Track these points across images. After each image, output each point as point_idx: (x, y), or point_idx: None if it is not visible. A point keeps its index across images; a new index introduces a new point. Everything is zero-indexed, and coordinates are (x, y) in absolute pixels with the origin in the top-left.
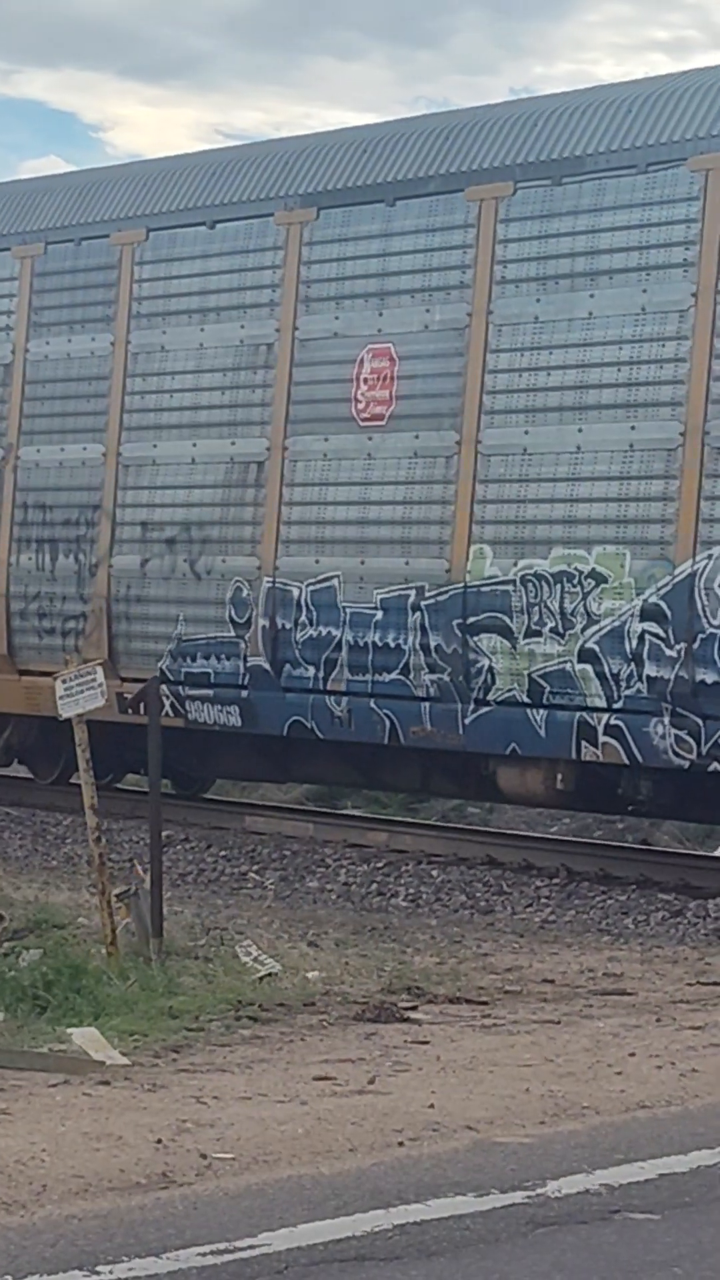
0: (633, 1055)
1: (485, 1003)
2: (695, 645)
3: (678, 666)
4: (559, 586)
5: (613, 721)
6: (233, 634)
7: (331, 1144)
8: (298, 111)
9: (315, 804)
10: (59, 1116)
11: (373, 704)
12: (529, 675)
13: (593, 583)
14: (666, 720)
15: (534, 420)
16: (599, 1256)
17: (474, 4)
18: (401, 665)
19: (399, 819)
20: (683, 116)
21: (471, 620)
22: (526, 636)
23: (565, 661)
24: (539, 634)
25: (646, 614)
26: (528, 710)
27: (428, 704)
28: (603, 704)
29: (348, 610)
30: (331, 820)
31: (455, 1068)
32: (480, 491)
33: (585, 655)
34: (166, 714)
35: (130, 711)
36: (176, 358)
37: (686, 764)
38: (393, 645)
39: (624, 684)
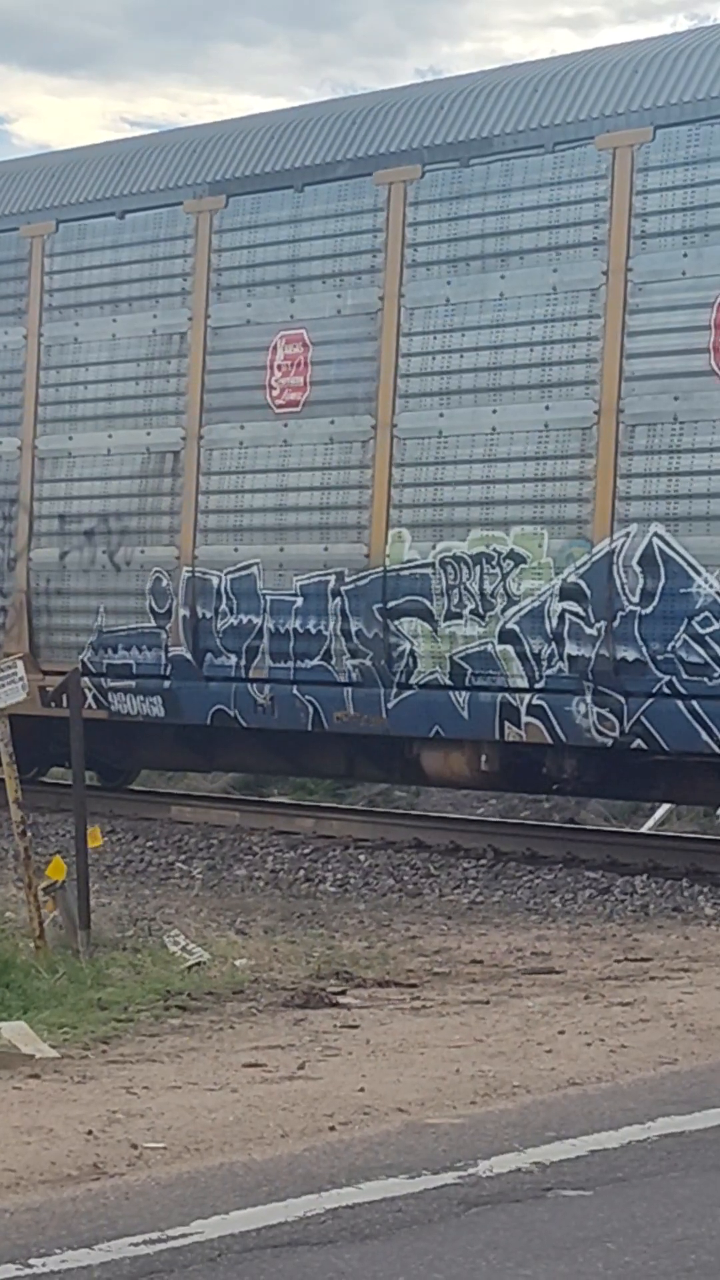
0: (562, 1033)
1: (414, 985)
2: (615, 623)
3: (598, 645)
4: (478, 568)
5: (535, 701)
6: (153, 624)
7: (262, 1130)
8: (204, 98)
9: (241, 792)
10: None
11: (295, 690)
12: (450, 657)
13: (511, 563)
14: (588, 699)
15: (449, 402)
16: (532, 1234)
17: None
18: (323, 651)
19: (325, 805)
20: (589, 95)
21: (392, 604)
22: (447, 619)
23: (486, 643)
24: (459, 616)
25: (566, 593)
26: (450, 692)
27: (350, 689)
28: (525, 684)
29: (268, 597)
30: (258, 808)
31: (385, 1051)
32: (397, 475)
33: (506, 636)
34: (89, 706)
35: (53, 704)
36: (90, 349)
37: (609, 742)
38: (314, 631)
39: (545, 664)
